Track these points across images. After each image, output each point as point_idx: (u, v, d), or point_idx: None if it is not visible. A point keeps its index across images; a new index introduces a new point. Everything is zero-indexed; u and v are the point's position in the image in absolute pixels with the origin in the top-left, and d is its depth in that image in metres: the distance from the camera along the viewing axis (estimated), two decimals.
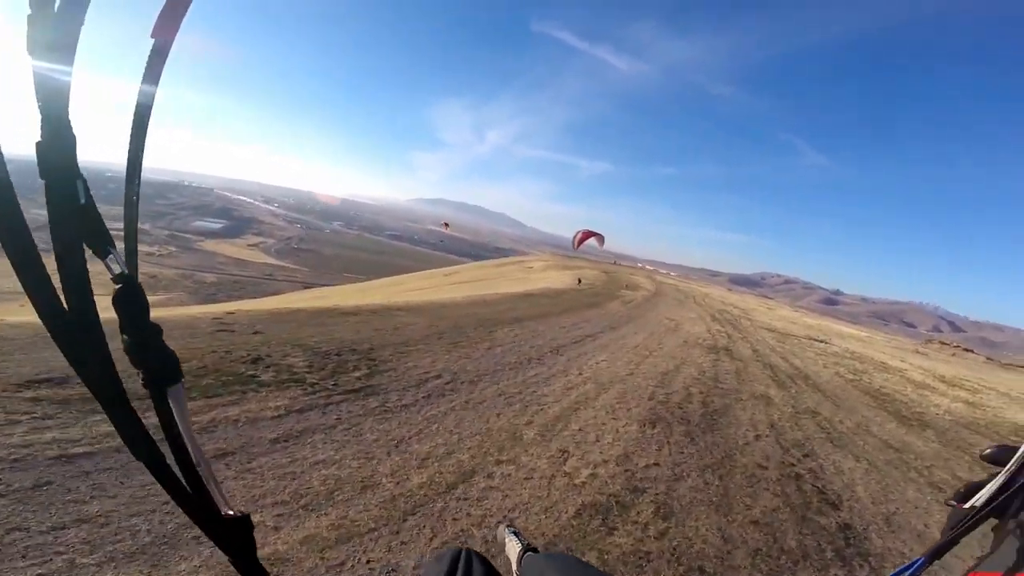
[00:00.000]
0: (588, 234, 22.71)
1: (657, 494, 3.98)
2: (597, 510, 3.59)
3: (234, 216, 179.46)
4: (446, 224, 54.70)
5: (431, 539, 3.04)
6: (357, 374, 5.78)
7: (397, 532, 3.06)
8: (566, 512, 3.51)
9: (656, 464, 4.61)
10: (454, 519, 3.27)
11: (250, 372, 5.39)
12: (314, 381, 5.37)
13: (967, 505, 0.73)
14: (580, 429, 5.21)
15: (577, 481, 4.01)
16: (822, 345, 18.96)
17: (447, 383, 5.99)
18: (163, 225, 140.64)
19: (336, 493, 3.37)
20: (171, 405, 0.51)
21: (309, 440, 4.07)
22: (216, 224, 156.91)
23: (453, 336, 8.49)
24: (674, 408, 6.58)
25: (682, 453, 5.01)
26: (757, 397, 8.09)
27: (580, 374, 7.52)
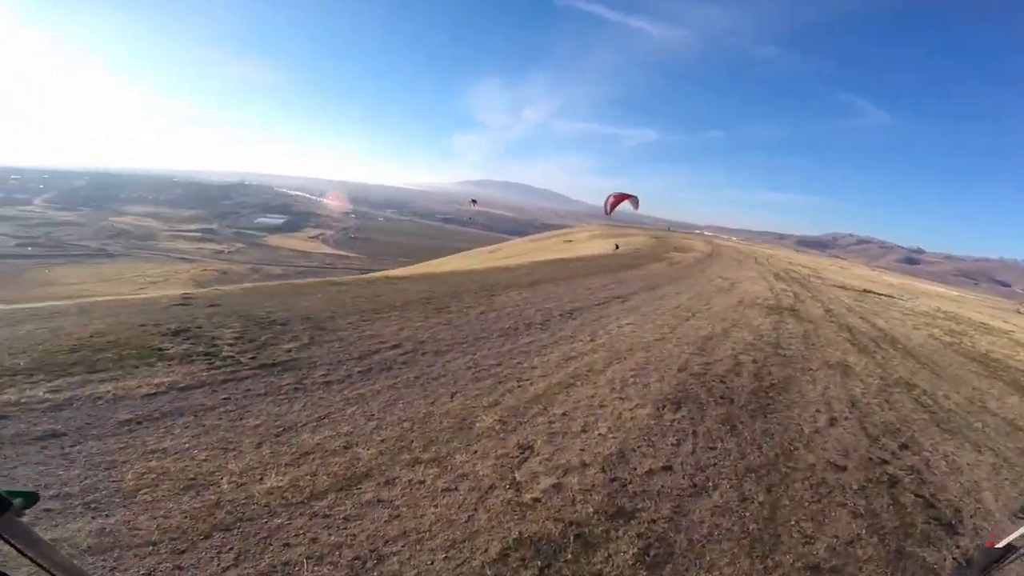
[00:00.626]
0: (621, 197, 20.58)
1: (653, 521, 2.46)
2: (539, 551, 2.15)
3: (293, 211, 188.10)
4: (473, 201, 55.34)
5: (226, 569, 1.84)
6: (290, 346, 4.62)
7: (182, 552, 1.94)
8: (484, 552, 2.12)
9: (667, 469, 3.07)
10: (285, 545, 2.02)
11: (161, 345, 4.41)
12: (229, 354, 4.28)
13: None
14: (564, 414, 3.75)
15: (527, 497, 2.58)
16: (908, 304, 15.98)
17: (403, 354, 4.69)
18: (229, 224, 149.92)
19: (143, 492, 2.34)
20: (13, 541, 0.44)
21: (167, 424, 3.06)
22: (278, 219, 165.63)
23: (442, 301, 7.19)
24: (713, 383, 4.92)
25: (713, 449, 3.42)
26: (832, 366, 6.19)
27: (592, 341, 5.99)
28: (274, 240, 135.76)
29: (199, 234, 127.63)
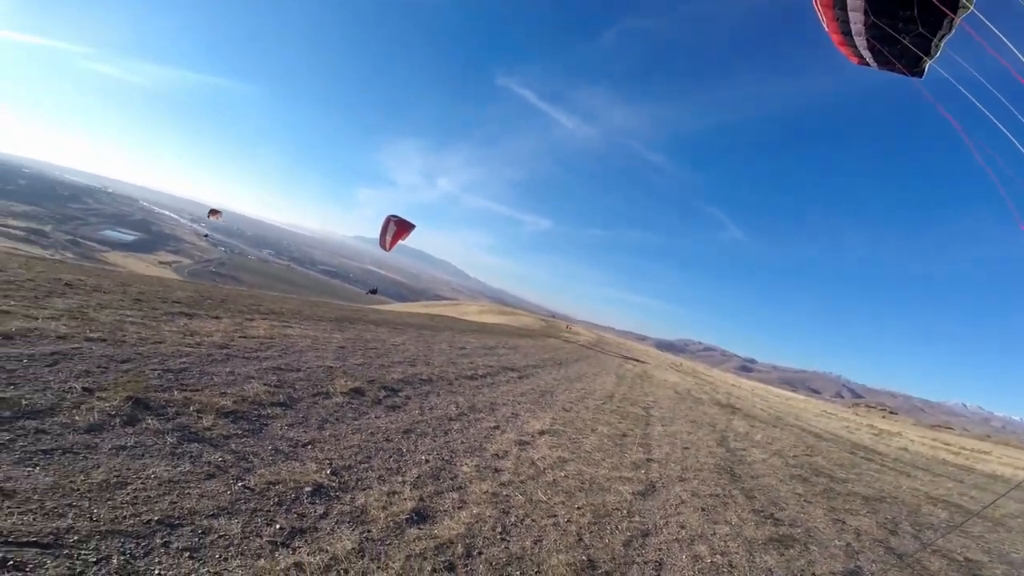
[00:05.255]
0: (404, 228, 18.01)
1: None
2: None
3: (152, 231, 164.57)
4: (213, 211, 39.12)
5: None
6: None
7: None
8: None
9: None
10: None
11: None
12: None
13: None
14: None
15: None
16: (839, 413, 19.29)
17: None
18: (68, 230, 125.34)
19: None
20: None
21: None
22: (129, 236, 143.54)
23: None
24: None
25: None
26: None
27: None
28: (114, 257, 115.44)
29: (23, 233, 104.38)
